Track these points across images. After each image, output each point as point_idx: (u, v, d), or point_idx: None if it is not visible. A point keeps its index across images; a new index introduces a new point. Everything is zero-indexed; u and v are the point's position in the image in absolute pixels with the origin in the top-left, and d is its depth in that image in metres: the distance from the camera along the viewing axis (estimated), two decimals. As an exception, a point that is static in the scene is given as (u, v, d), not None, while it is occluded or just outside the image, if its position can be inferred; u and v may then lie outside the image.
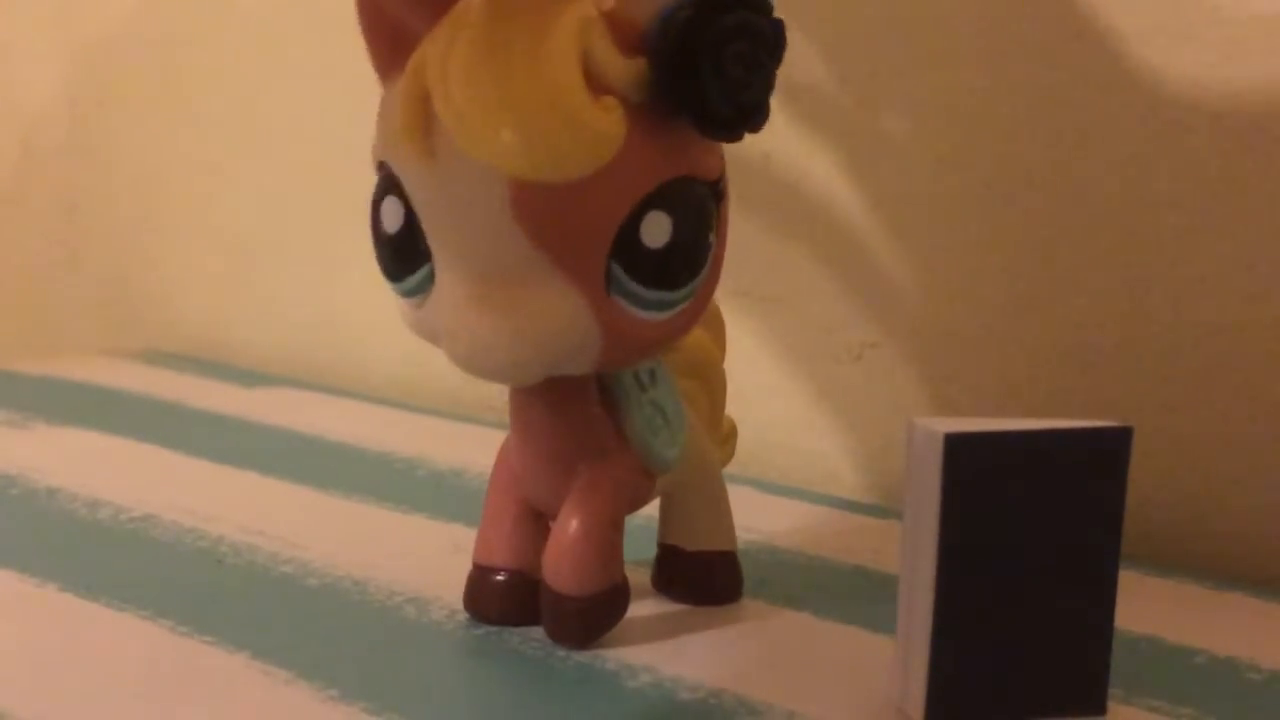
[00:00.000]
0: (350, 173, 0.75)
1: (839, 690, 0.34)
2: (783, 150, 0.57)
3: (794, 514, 0.43)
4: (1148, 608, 0.40)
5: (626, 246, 0.31)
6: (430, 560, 0.43)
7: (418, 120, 0.30)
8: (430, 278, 0.33)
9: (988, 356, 0.53)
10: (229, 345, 0.83)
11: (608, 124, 0.30)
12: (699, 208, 0.32)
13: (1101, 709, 0.32)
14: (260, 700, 0.32)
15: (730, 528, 0.41)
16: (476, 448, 0.57)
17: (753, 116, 0.32)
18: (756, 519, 0.47)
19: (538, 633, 0.37)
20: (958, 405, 0.53)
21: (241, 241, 0.83)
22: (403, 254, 0.33)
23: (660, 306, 0.32)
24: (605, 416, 0.36)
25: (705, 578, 0.40)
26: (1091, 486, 0.31)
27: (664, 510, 0.40)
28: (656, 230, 0.31)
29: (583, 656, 0.35)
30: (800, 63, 0.56)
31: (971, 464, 0.30)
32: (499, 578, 0.38)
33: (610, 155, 0.30)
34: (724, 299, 0.44)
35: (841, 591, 0.41)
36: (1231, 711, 0.34)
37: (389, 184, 0.33)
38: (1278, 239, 0.46)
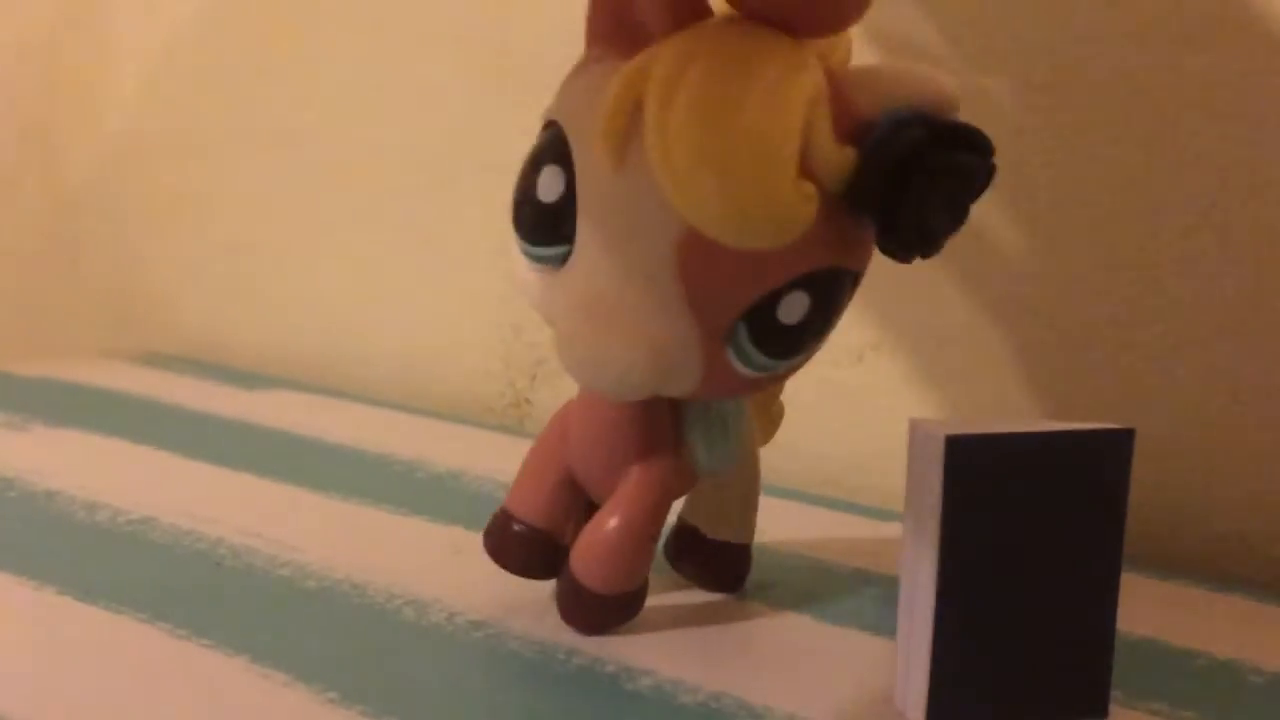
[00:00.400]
0: (350, 176, 0.76)
1: (840, 692, 0.34)
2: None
3: (795, 516, 0.43)
4: (1149, 610, 0.40)
5: (761, 313, 0.32)
6: (429, 563, 0.43)
7: (621, 122, 0.30)
8: (565, 259, 0.33)
9: (989, 359, 0.52)
10: (228, 347, 0.83)
11: (803, 211, 0.29)
12: (838, 297, 0.33)
13: (1103, 711, 0.32)
14: (259, 703, 0.32)
15: (752, 522, 0.41)
16: (475, 450, 0.57)
17: (932, 248, 0.32)
18: (758, 521, 0.47)
19: (537, 635, 0.37)
20: (959, 407, 0.53)
21: (241, 244, 0.83)
22: (549, 225, 0.33)
23: (765, 369, 0.33)
24: (669, 419, 0.37)
25: (717, 566, 0.41)
26: (1094, 489, 0.30)
27: (695, 493, 0.41)
28: (794, 308, 0.32)
29: (582, 659, 0.35)
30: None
31: (972, 466, 0.30)
32: (523, 529, 0.38)
33: (793, 238, 0.30)
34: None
35: (842, 594, 0.41)
36: (1233, 714, 0.34)
37: (558, 152, 0.32)
38: (1276, 245, 0.46)
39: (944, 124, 0.30)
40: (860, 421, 0.57)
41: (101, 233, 0.92)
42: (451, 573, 0.42)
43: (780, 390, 0.43)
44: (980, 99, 0.51)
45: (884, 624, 0.35)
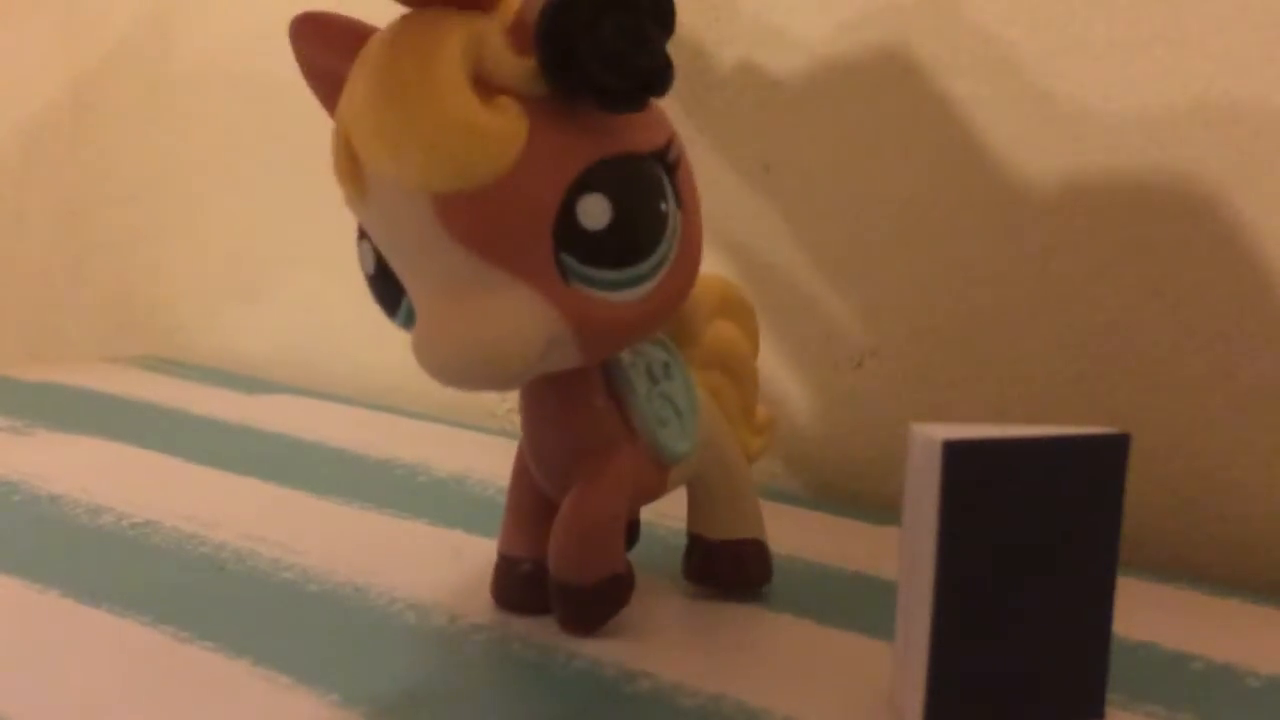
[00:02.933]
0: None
1: (839, 696, 0.34)
2: (783, 162, 0.57)
3: (794, 520, 0.43)
4: (1146, 614, 0.40)
5: (569, 234, 0.31)
6: (430, 566, 0.43)
7: (346, 163, 0.32)
8: (411, 311, 0.33)
9: (987, 364, 0.53)
10: (230, 352, 0.83)
11: (502, 123, 0.30)
12: (640, 181, 0.33)
13: (1100, 714, 0.32)
14: (261, 706, 0.33)
15: (756, 516, 0.41)
16: (477, 454, 0.58)
17: (650, 85, 0.32)
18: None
19: (537, 639, 0.37)
20: (957, 412, 0.53)
21: (242, 250, 0.83)
22: (386, 291, 0.34)
23: (627, 285, 0.33)
24: (612, 409, 0.37)
25: (731, 566, 0.41)
26: (1089, 493, 0.31)
27: (690, 500, 0.41)
28: (595, 212, 0.32)
29: (583, 662, 0.35)
30: (799, 74, 0.56)
31: (970, 470, 0.30)
32: (519, 568, 0.39)
33: (514, 152, 0.30)
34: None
35: (841, 597, 0.41)
36: (1229, 717, 0.34)
37: (361, 230, 0.34)
38: (1275, 248, 0.46)
39: None
40: (859, 427, 0.57)
41: (105, 240, 0.92)
42: (453, 576, 0.42)
43: (755, 393, 0.43)
44: (981, 107, 0.51)
45: (883, 627, 0.35)
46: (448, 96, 0.30)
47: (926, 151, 0.53)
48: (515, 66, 0.31)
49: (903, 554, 0.32)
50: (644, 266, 0.33)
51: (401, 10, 0.32)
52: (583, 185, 0.31)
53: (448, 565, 0.43)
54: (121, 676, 0.34)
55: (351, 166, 0.32)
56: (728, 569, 0.41)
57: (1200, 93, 0.47)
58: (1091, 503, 0.31)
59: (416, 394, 0.72)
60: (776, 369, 0.58)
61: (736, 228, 0.58)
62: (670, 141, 0.34)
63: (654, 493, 0.39)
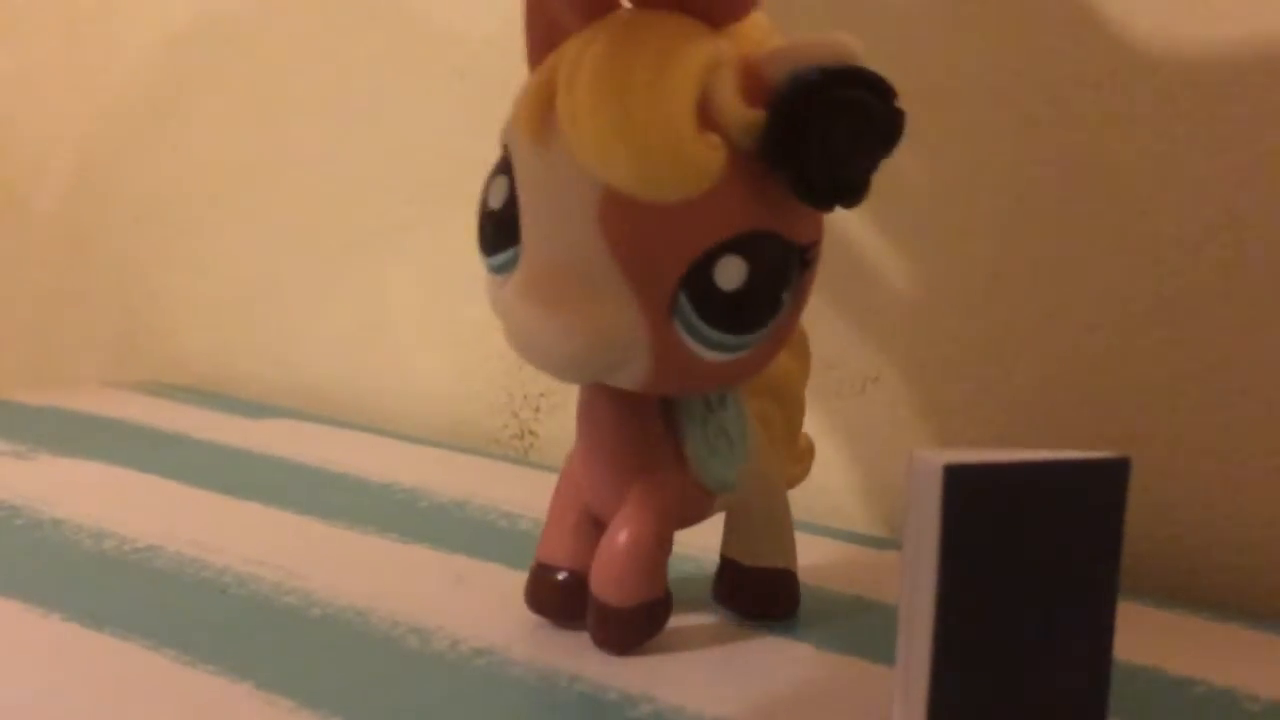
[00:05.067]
0: (352, 209, 0.76)
1: (839, 719, 0.34)
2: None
3: (798, 545, 0.43)
4: (1147, 639, 0.40)
5: (699, 281, 0.32)
6: (433, 591, 0.43)
7: (539, 111, 0.32)
8: (516, 259, 0.34)
9: (989, 390, 0.53)
10: (232, 377, 0.83)
11: (707, 157, 0.31)
12: (779, 265, 0.34)
13: (1101, 740, 0.32)
14: (264, 729, 0.33)
15: (790, 546, 0.42)
16: (479, 479, 0.58)
17: (849, 193, 0.33)
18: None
19: (540, 662, 0.37)
20: (959, 437, 0.54)
21: (245, 275, 0.84)
22: (499, 230, 0.34)
23: (717, 347, 0.33)
24: (666, 433, 0.37)
25: (761, 594, 0.41)
26: (1090, 517, 0.31)
27: (727, 525, 0.42)
28: (731, 273, 0.32)
29: (585, 686, 0.36)
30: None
31: (970, 495, 0.30)
32: (558, 576, 0.39)
33: (703, 187, 0.31)
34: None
35: (842, 622, 0.42)
36: (1231, 742, 0.34)
37: (504, 165, 0.34)
38: (1276, 275, 0.46)
39: (838, 68, 0.32)
40: (862, 452, 0.57)
41: (108, 266, 0.93)
42: (454, 601, 0.42)
43: (801, 421, 0.43)
44: (983, 131, 0.52)
45: (883, 652, 0.35)
46: (673, 111, 0.31)
47: (928, 177, 0.53)
48: (737, 112, 0.32)
49: (903, 578, 0.32)
50: (742, 339, 0.34)
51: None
52: (734, 245, 0.32)
53: (450, 589, 0.43)
54: (124, 700, 0.34)
55: (545, 119, 0.32)
56: (757, 596, 0.41)
57: (1201, 115, 0.47)
58: (1093, 527, 0.31)
59: (418, 419, 0.72)
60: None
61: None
62: (817, 242, 0.35)
63: (696, 518, 0.39)
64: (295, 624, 0.40)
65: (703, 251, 0.32)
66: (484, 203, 0.35)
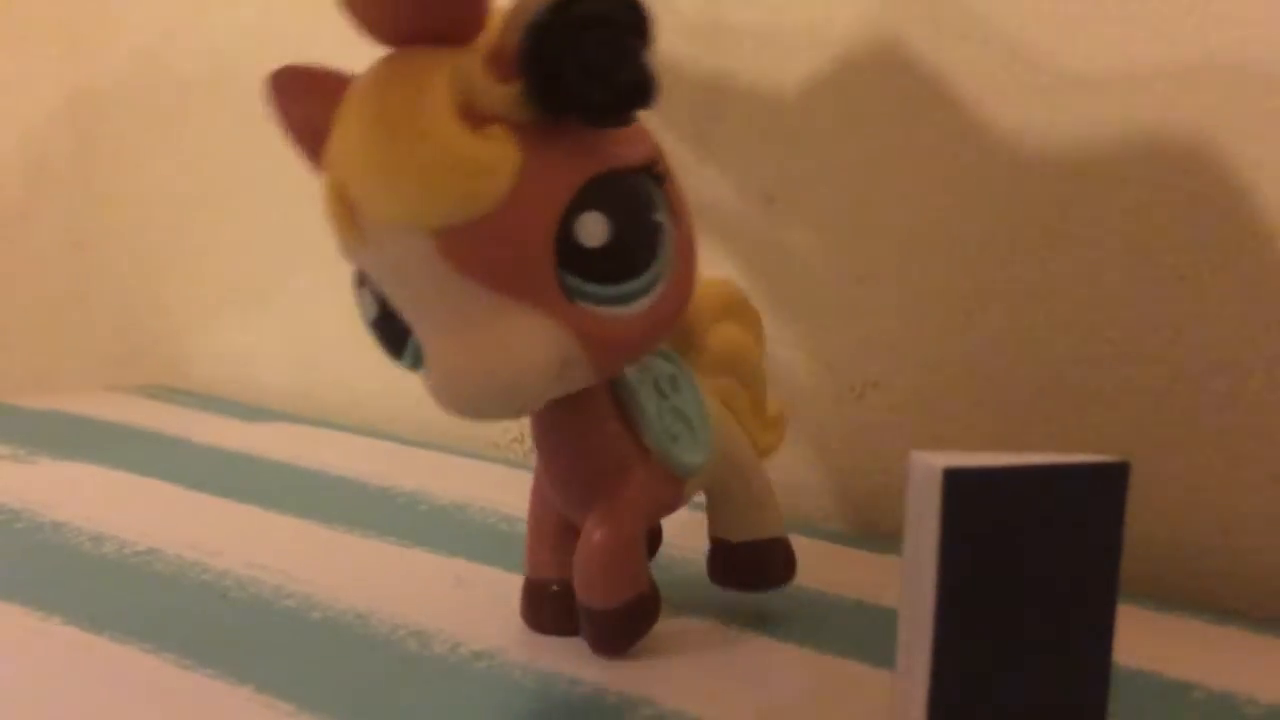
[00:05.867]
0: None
1: (839, 724, 0.34)
2: (786, 194, 0.57)
3: (796, 550, 0.43)
4: (1146, 642, 0.40)
5: (570, 253, 0.32)
6: (432, 594, 0.43)
7: (343, 209, 0.32)
8: (419, 349, 0.34)
9: (988, 394, 0.53)
10: (232, 381, 0.84)
11: (494, 151, 0.31)
12: (633, 196, 0.33)
13: (1100, 743, 0.32)
14: (264, 732, 0.33)
15: (775, 514, 0.42)
16: (477, 483, 0.58)
17: (636, 97, 0.32)
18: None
19: (539, 665, 0.37)
20: (958, 442, 0.54)
21: (245, 280, 0.84)
22: (390, 334, 0.34)
23: (628, 299, 0.33)
24: (623, 431, 0.37)
25: (755, 566, 0.42)
26: (1089, 521, 0.31)
27: (709, 505, 0.42)
28: (593, 230, 0.32)
29: (584, 689, 0.36)
30: (802, 107, 0.56)
31: (970, 498, 0.30)
32: (548, 590, 0.40)
33: (509, 179, 0.31)
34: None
35: (842, 626, 0.42)
36: (1230, 746, 0.34)
37: (359, 276, 0.34)
38: (1272, 280, 0.46)
39: None
40: (861, 458, 0.57)
41: (108, 270, 0.93)
42: (454, 604, 0.42)
43: (764, 390, 0.44)
44: (983, 138, 0.52)
45: (884, 656, 0.35)
46: (438, 131, 0.30)
47: (928, 183, 0.54)
48: (501, 94, 0.31)
49: (903, 582, 0.32)
50: (644, 279, 0.33)
51: (381, 52, 0.32)
52: (579, 204, 0.32)
53: (449, 593, 0.43)
54: (123, 704, 0.34)
55: (347, 213, 0.32)
56: (751, 569, 0.42)
57: (1204, 126, 0.47)
58: (1092, 531, 0.31)
59: (417, 422, 0.72)
60: (779, 399, 0.58)
61: (738, 259, 0.59)
62: (657, 155, 0.34)
63: (672, 506, 0.39)
64: (295, 627, 0.40)
65: (554, 228, 0.32)
66: (365, 319, 0.35)
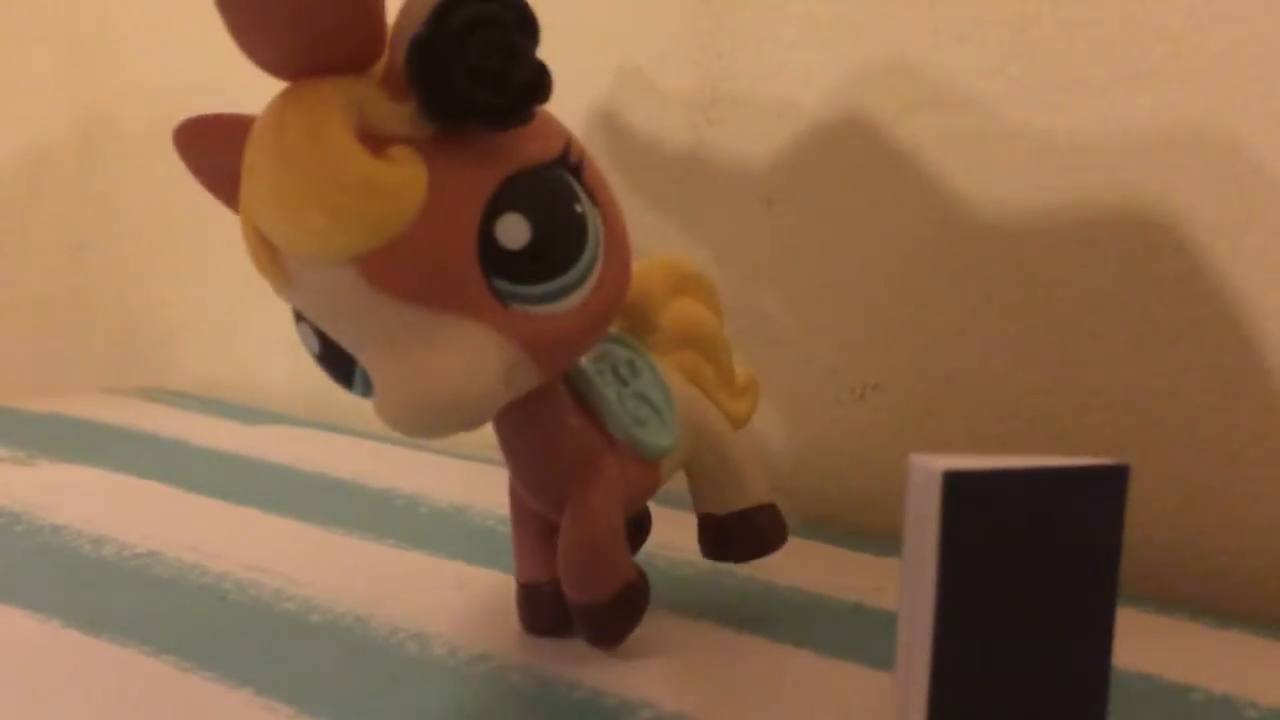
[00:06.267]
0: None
1: (839, 727, 0.34)
2: (785, 196, 0.57)
3: (795, 552, 0.43)
4: (1146, 645, 0.40)
5: (495, 259, 0.32)
6: (432, 597, 0.43)
7: (263, 250, 0.32)
8: (365, 375, 0.34)
9: (988, 396, 0.53)
10: (231, 383, 0.84)
11: (399, 171, 0.30)
12: (549, 190, 0.33)
13: (1100, 746, 0.32)
14: (263, 735, 0.33)
15: (757, 481, 0.42)
16: (477, 486, 0.58)
17: (530, 95, 0.32)
18: (761, 553, 0.47)
19: (538, 669, 0.37)
20: (958, 444, 0.54)
21: (244, 283, 0.84)
22: (335, 365, 0.35)
23: (562, 293, 0.33)
24: (586, 424, 0.37)
25: (745, 536, 0.42)
26: (1089, 524, 0.31)
27: (691, 483, 0.42)
28: (514, 231, 0.32)
29: (584, 692, 0.36)
30: (801, 110, 0.56)
31: (970, 501, 0.30)
32: (541, 592, 0.39)
33: (418, 197, 0.30)
34: (730, 337, 0.44)
35: (842, 629, 0.42)
36: (1230, 749, 0.34)
37: (296, 313, 0.34)
38: (1272, 282, 0.46)
39: (436, 5, 0.30)
40: (861, 459, 0.57)
41: (108, 272, 0.93)
42: (454, 607, 0.42)
43: (729, 360, 0.44)
44: (983, 142, 0.52)
45: (883, 659, 0.35)
46: (339, 158, 0.30)
47: (928, 186, 0.54)
48: (398, 114, 0.31)
49: (903, 585, 0.32)
50: (576, 271, 0.33)
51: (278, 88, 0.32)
52: (495, 209, 0.32)
53: (449, 596, 0.43)
54: (123, 707, 0.34)
55: (269, 254, 0.32)
56: (741, 540, 0.42)
57: (1201, 128, 0.47)
58: (1091, 534, 0.31)
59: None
60: (778, 401, 0.58)
61: (738, 262, 0.59)
62: (568, 145, 0.34)
63: (649, 490, 0.39)
64: (294, 630, 0.40)
65: (473, 236, 0.31)
66: (310, 353, 0.35)
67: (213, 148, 0.34)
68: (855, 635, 0.41)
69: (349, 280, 0.31)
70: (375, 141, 0.30)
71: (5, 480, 0.57)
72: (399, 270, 0.31)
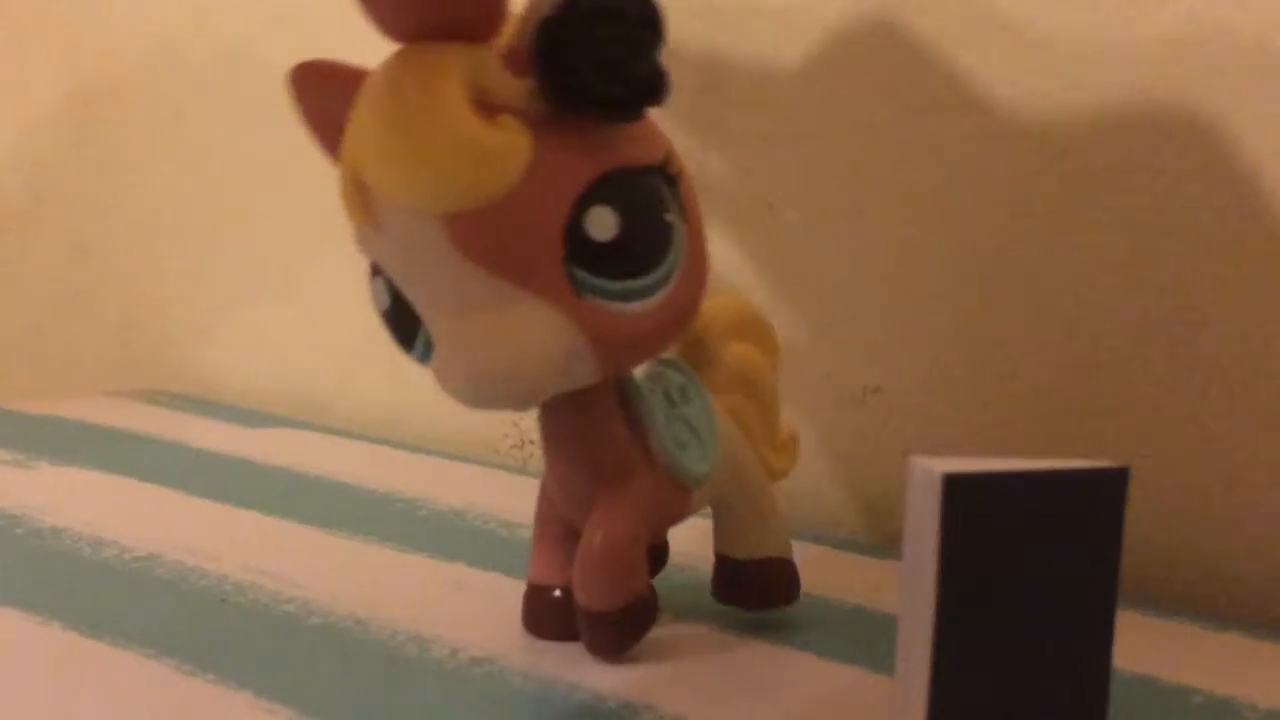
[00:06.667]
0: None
1: (839, 730, 0.34)
2: (786, 200, 0.57)
3: (796, 554, 0.43)
4: (1145, 648, 0.40)
5: (579, 247, 0.32)
6: (431, 599, 0.43)
7: (357, 195, 0.32)
8: (430, 340, 0.34)
9: (988, 399, 0.53)
10: (232, 386, 0.84)
11: (505, 139, 0.31)
12: (644, 193, 0.33)
13: (1100, 748, 0.32)
14: (263, 738, 0.33)
15: (781, 535, 0.42)
16: (477, 488, 0.58)
17: (648, 92, 0.33)
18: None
19: (539, 671, 0.37)
20: (959, 447, 0.54)
21: (244, 285, 0.84)
22: (401, 324, 0.35)
23: (635, 295, 0.33)
24: (629, 435, 0.37)
25: (758, 585, 0.41)
26: (1089, 526, 0.31)
27: (716, 521, 0.42)
28: (602, 224, 0.32)
29: (584, 695, 0.36)
30: (802, 112, 0.56)
31: (970, 504, 0.30)
32: (550, 595, 0.40)
33: (519, 168, 0.31)
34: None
35: (842, 631, 0.42)
36: (1230, 752, 0.34)
37: (373, 267, 0.35)
38: (1274, 285, 0.46)
39: None
40: (862, 462, 0.57)
41: (109, 274, 0.93)
42: (454, 609, 0.42)
43: (777, 412, 0.44)
44: (983, 144, 0.52)
45: (884, 661, 0.35)
46: (450, 116, 0.30)
47: (929, 188, 0.54)
48: (515, 87, 0.32)
49: (903, 588, 0.32)
50: (654, 276, 0.33)
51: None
52: (589, 198, 0.32)
53: (449, 598, 0.43)
54: (124, 709, 0.34)
55: (362, 200, 0.32)
56: (754, 588, 0.41)
57: (1204, 137, 0.47)
58: (1091, 536, 0.31)
59: (417, 428, 0.72)
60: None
61: (739, 265, 0.59)
62: (669, 156, 0.35)
63: (677, 515, 0.39)
64: (294, 632, 0.40)
65: (564, 219, 0.32)
66: (378, 309, 0.35)
67: (327, 92, 0.35)
68: (856, 638, 0.41)
69: (434, 238, 0.31)
70: (488, 109, 0.31)
71: (6, 483, 0.57)
72: (484, 237, 0.31)
